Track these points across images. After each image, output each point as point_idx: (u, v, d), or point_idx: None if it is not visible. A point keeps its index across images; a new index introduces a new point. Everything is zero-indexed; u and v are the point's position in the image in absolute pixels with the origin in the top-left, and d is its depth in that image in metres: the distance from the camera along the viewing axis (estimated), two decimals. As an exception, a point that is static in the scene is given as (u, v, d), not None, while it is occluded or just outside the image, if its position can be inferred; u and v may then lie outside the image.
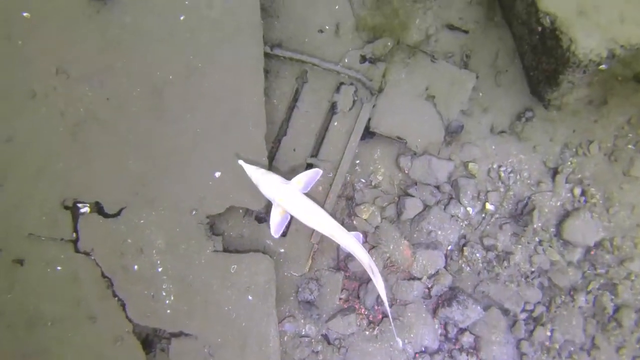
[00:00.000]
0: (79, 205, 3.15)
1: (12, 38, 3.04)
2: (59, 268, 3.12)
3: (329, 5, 3.39)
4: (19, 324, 3.10)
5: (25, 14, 3.07)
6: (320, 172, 3.14)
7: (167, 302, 3.12)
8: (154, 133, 3.08)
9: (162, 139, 3.09)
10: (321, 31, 3.38)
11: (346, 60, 3.37)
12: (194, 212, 3.11)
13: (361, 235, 3.15)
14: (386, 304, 3.10)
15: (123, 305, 3.11)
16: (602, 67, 2.65)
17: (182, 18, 3.10)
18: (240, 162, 3.01)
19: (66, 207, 3.12)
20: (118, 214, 3.10)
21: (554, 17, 2.63)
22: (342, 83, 3.35)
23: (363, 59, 3.36)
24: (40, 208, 3.10)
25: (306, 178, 3.08)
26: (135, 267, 3.11)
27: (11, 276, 3.09)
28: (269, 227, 3.15)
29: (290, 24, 3.41)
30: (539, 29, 2.78)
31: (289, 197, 2.99)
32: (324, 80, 3.36)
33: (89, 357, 3.13)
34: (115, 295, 3.11)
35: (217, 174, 3.10)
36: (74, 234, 3.12)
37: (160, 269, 3.13)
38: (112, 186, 3.09)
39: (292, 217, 3.15)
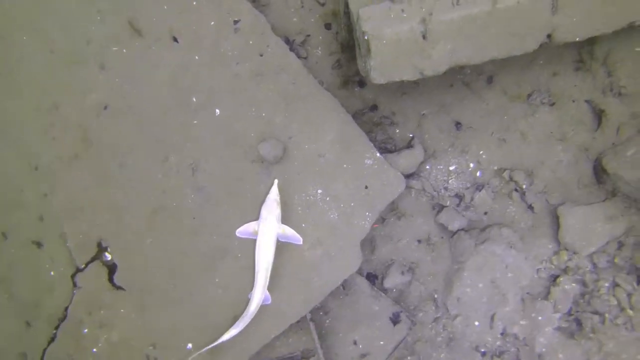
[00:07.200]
0: (108, 251, 3.57)
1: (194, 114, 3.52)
2: (52, 273, 3.58)
3: (377, 338, 3.73)
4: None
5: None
6: (300, 243, 3.37)
7: (76, 376, 3.54)
8: (195, 281, 3.48)
9: (197, 287, 3.49)
10: (355, 343, 3.70)
11: (339, 380, 3.67)
12: (151, 347, 3.51)
13: (269, 297, 3.33)
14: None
15: (51, 340, 3.54)
16: None
17: (303, 226, 3.49)
18: (276, 181, 3.38)
19: (98, 245, 3.54)
20: (117, 288, 3.51)
21: None
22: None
23: (351, 392, 3.66)
24: (86, 226, 3.51)
25: (290, 232, 3.34)
26: (86, 330, 3.51)
27: (24, 253, 3.58)
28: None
29: (349, 312, 3.75)
30: None
31: (267, 227, 3.27)
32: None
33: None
34: (56, 329, 3.53)
35: (190, 346, 3.48)
36: (83, 266, 3.54)
37: (95, 350, 3.52)
38: (136, 273, 3.50)
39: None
